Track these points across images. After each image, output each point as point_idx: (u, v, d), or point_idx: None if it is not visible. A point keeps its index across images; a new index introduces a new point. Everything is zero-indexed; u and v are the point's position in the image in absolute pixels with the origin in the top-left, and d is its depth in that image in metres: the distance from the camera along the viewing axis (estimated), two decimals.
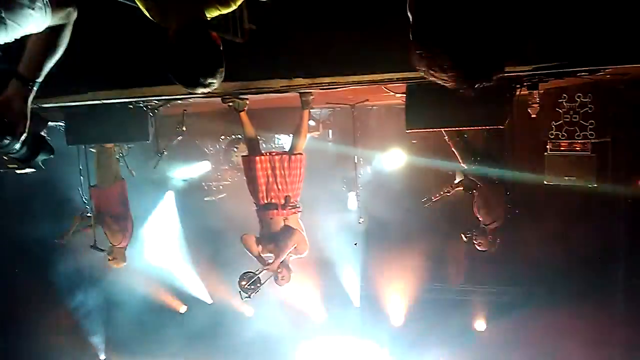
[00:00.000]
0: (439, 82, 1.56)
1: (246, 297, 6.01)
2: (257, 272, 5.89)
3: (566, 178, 5.79)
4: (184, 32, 2.31)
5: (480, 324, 9.61)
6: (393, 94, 5.20)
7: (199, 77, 2.38)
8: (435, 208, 7.29)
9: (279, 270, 5.95)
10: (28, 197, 8.37)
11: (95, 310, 10.18)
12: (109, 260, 7.35)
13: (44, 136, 2.47)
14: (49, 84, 2.32)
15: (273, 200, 5.88)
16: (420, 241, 9.13)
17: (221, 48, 2.42)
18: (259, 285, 5.95)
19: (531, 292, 8.83)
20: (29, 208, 8.51)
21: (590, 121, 5.43)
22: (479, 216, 6.89)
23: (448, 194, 7.04)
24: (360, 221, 7.89)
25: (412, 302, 9.84)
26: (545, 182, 5.98)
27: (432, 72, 1.54)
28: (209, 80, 2.39)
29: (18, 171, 7.63)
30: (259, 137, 6.19)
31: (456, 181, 6.98)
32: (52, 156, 2.42)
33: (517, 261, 8.54)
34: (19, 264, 9.21)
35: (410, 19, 1.56)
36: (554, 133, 5.67)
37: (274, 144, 8.89)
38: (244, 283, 5.90)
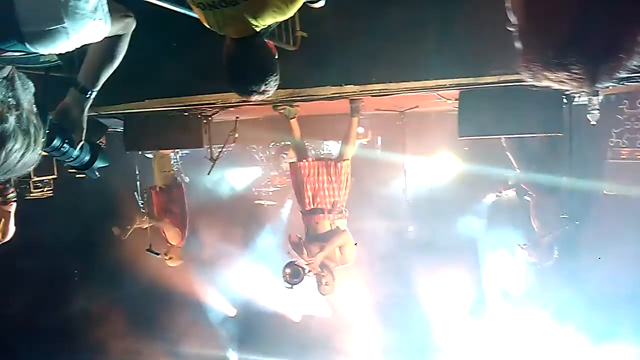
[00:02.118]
0: (555, 84, 1.36)
1: (288, 287, 5.97)
2: (301, 264, 5.81)
3: (627, 187, 5.56)
4: (240, 40, 2.35)
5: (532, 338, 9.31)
6: (445, 100, 5.12)
7: (254, 85, 2.43)
8: (490, 216, 7.07)
9: (323, 274, 5.84)
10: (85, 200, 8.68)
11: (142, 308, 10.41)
12: (167, 259, 7.55)
13: (101, 145, 2.55)
14: (108, 92, 2.39)
15: (319, 206, 5.88)
16: (472, 250, 8.95)
17: (276, 57, 2.46)
18: (302, 276, 5.88)
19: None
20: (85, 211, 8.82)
21: None
22: (534, 226, 6.61)
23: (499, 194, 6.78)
24: (410, 230, 7.79)
25: (462, 312, 9.64)
26: (605, 192, 5.75)
27: (547, 74, 1.34)
28: (264, 88, 2.43)
29: (78, 175, 7.92)
30: (307, 144, 6.21)
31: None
32: (108, 165, 2.48)
33: (578, 273, 8.23)
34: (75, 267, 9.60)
35: (515, 21, 1.44)
36: (614, 140, 5.47)
37: (322, 150, 8.93)
38: (288, 271, 5.85)
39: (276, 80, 2.46)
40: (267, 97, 2.52)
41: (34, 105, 1.51)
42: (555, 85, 1.36)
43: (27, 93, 1.48)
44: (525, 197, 6.60)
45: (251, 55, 2.38)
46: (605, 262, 7.24)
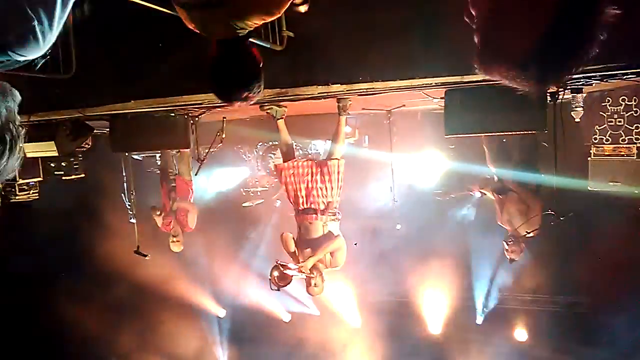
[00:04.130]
0: (506, 81, 1.49)
1: (274, 289, 5.93)
2: (289, 266, 5.75)
3: (611, 183, 5.61)
4: (225, 45, 2.33)
5: (521, 334, 9.41)
6: (431, 98, 5.16)
7: (237, 90, 2.41)
8: (476, 214, 7.10)
9: (312, 275, 5.79)
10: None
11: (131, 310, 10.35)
12: (174, 241, 7.72)
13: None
14: (94, 93, 2.39)
15: (312, 206, 5.84)
16: (459, 248, 9.00)
17: (261, 63, 2.42)
18: (289, 279, 5.82)
19: (576, 302, 8.60)
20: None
21: (635, 125, 5.27)
22: (512, 224, 6.58)
23: (471, 193, 6.80)
24: (398, 228, 7.82)
25: (450, 309, 9.71)
26: (589, 188, 5.80)
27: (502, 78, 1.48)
28: (247, 94, 2.41)
29: (64, 178, 7.88)
30: (295, 144, 6.18)
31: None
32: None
33: (563, 270, 8.33)
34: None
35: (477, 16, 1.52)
36: (598, 137, 5.52)
37: (310, 150, 8.93)
38: (275, 274, 5.78)
39: (260, 86, 2.42)
40: (250, 103, 2.50)
41: (16, 115, 1.46)
42: (506, 82, 1.46)
43: (6, 101, 1.43)
44: (499, 195, 6.58)
45: (235, 60, 2.35)
46: None
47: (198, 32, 2.40)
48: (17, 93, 1.48)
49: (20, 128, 1.46)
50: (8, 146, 1.40)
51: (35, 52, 1.60)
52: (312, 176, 5.79)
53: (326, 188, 5.81)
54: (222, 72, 2.37)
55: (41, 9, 1.52)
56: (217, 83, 2.43)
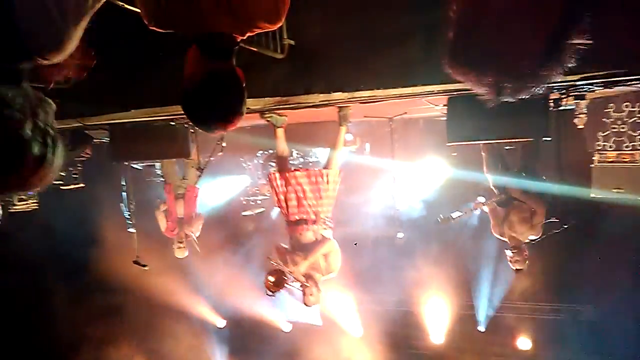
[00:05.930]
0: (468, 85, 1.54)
1: (270, 294, 5.87)
2: (284, 271, 5.70)
3: (614, 190, 5.57)
4: (211, 73, 2.08)
5: (524, 342, 9.34)
6: (433, 106, 5.13)
7: (217, 121, 2.15)
8: (477, 222, 7.04)
9: (307, 285, 5.75)
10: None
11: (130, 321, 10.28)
12: (179, 248, 7.71)
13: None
14: (93, 102, 2.35)
15: (304, 217, 5.77)
16: (461, 256, 8.96)
17: (244, 84, 2.16)
18: (284, 284, 5.76)
19: (580, 310, 8.54)
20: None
21: (638, 131, 5.24)
22: (513, 234, 6.52)
23: (475, 212, 6.70)
24: (400, 236, 7.77)
25: (453, 318, 9.64)
26: (592, 196, 5.76)
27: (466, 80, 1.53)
28: (230, 123, 2.15)
29: (64, 187, 7.82)
30: (296, 152, 6.14)
31: (483, 200, 6.66)
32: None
33: (567, 278, 8.28)
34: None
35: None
36: (601, 144, 5.49)
37: (310, 157, 8.91)
38: (270, 279, 5.71)
39: (242, 114, 2.17)
40: (248, 112, 2.29)
41: (53, 121, 1.47)
42: (468, 84, 1.52)
43: (43, 107, 1.44)
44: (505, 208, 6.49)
45: (219, 88, 2.08)
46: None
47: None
48: (51, 102, 1.49)
49: (58, 134, 1.46)
50: (50, 149, 1.41)
51: (59, 55, 1.58)
52: (303, 186, 5.73)
53: (316, 198, 5.73)
54: (204, 100, 2.09)
55: (62, 10, 1.50)
56: (196, 112, 2.16)
